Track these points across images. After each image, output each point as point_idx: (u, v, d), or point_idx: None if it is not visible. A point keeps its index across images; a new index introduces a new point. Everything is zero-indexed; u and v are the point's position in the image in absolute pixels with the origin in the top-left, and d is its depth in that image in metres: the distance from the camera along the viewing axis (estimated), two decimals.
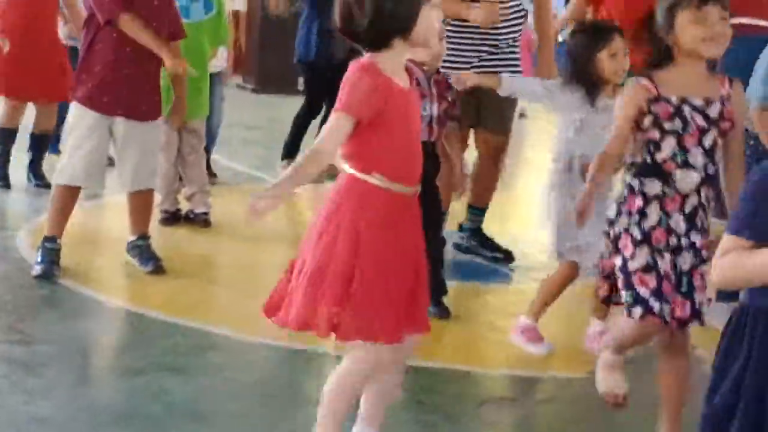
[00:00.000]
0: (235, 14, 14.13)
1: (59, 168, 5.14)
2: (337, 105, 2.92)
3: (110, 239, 5.21)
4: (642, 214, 3.33)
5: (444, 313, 4.72)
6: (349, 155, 2.98)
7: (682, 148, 3.27)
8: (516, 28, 5.56)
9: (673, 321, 3.27)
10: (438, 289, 4.59)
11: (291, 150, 7.69)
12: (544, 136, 8.80)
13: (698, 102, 3.25)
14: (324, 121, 6.91)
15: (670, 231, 3.30)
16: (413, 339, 3.14)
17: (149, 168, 5.17)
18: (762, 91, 4.39)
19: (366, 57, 2.95)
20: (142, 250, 5.21)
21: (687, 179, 3.28)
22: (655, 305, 3.27)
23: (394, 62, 2.96)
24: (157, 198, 6.18)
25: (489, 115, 5.58)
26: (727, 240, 2.34)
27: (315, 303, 2.92)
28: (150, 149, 5.16)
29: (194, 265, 5.61)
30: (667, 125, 3.27)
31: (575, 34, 4.58)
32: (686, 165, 3.27)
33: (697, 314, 3.30)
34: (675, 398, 3.42)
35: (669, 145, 3.29)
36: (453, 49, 5.17)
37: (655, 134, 3.29)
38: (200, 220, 6.21)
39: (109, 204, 6.36)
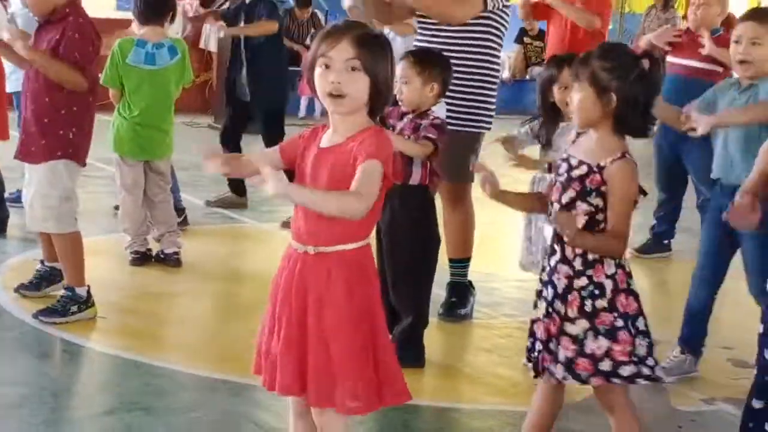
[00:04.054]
0: (207, 54, 14.29)
1: None
2: None
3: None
4: None
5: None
6: None
7: (550, 201, 3.34)
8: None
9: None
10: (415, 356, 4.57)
11: None
12: None
13: (574, 161, 3.26)
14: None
15: (542, 281, 3.35)
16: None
17: (41, 210, 5.02)
18: None
19: None
20: (58, 299, 5.08)
21: (548, 232, 3.34)
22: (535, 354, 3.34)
23: (332, 118, 2.97)
24: (126, 239, 6.25)
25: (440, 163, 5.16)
26: None
27: None
28: (42, 192, 4.99)
29: (164, 305, 5.65)
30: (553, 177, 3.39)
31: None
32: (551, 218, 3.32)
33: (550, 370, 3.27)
34: None
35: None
36: None
37: None
38: (171, 260, 6.24)
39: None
